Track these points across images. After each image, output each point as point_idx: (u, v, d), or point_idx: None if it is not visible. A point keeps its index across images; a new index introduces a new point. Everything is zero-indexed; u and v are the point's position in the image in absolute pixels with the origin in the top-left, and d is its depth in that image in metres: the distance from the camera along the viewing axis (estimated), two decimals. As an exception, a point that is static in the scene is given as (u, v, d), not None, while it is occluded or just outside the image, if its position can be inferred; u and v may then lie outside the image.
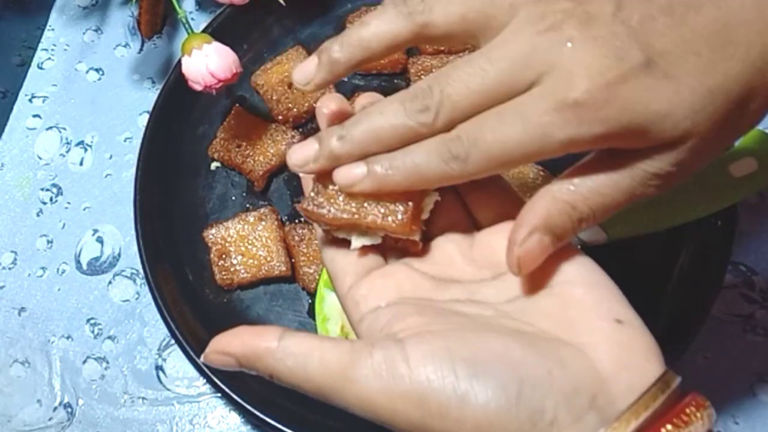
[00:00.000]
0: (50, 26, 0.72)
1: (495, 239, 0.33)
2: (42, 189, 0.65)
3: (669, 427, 0.26)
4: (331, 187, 0.33)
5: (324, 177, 0.33)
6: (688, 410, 0.26)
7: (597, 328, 0.28)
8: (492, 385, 0.26)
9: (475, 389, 0.26)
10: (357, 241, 0.33)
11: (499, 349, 0.27)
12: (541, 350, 0.27)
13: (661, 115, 0.27)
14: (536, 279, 0.31)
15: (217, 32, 0.58)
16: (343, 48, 0.31)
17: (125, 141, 0.66)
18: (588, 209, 0.30)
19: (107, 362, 0.58)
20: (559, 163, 0.63)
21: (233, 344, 0.30)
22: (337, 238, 0.34)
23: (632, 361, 0.27)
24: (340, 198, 0.32)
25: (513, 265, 0.29)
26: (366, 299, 0.32)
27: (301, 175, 0.36)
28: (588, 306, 0.29)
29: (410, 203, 0.32)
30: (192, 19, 0.69)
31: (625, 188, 0.30)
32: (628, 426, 0.26)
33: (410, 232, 0.32)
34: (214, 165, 0.63)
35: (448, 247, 0.34)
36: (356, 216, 0.32)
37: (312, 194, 0.33)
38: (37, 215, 0.64)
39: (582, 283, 0.30)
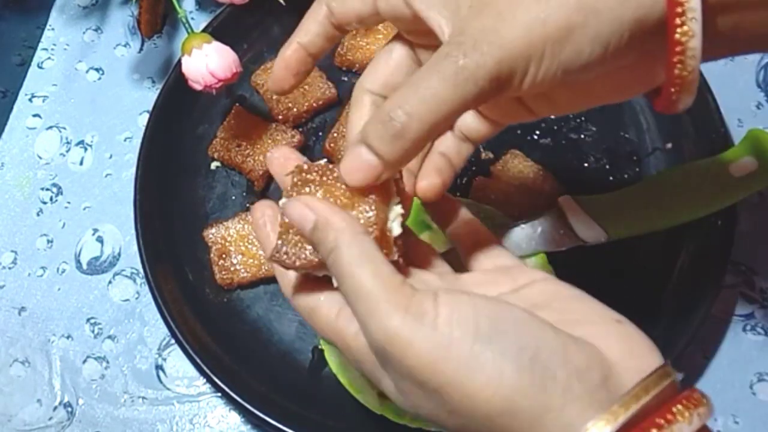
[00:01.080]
0: (50, 26, 0.72)
1: (480, 280, 0.34)
2: (42, 188, 0.65)
3: (668, 416, 0.26)
4: (292, 232, 0.32)
5: (285, 224, 0.33)
6: (688, 401, 0.27)
7: (601, 326, 0.29)
8: (509, 343, 0.27)
9: (492, 347, 0.27)
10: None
11: (520, 316, 0.28)
12: (556, 330, 0.28)
13: None
14: (533, 297, 0.32)
15: (217, 32, 0.58)
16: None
17: (125, 140, 0.66)
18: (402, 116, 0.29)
19: (107, 362, 0.58)
20: (559, 164, 0.63)
21: (323, 206, 0.31)
22: (309, 283, 0.34)
23: (638, 351, 0.28)
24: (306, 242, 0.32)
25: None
26: None
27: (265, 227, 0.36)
28: (588, 312, 0.30)
29: (375, 227, 0.32)
30: (192, 18, 0.69)
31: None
32: (627, 410, 0.26)
33: (385, 255, 0.32)
34: (214, 164, 0.63)
35: (430, 278, 0.35)
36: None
37: (279, 243, 0.33)
38: (37, 215, 0.64)
39: (574, 297, 0.31)
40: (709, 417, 0.27)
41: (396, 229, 0.33)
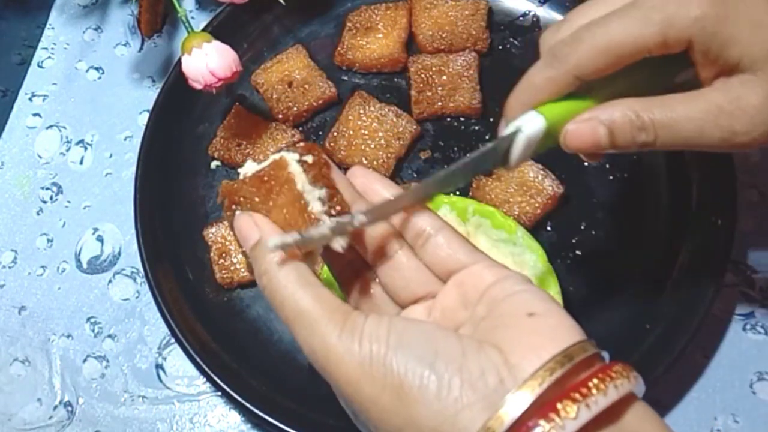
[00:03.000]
0: (50, 25, 0.72)
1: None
2: (42, 188, 0.65)
3: (565, 401, 0.27)
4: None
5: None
6: (590, 383, 0.27)
7: (511, 328, 0.30)
8: (412, 354, 0.29)
9: (398, 356, 0.29)
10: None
11: (427, 329, 0.30)
12: (462, 338, 0.30)
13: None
14: (469, 294, 0.33)
15: (217, 31, 0.58)
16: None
17: (125, 140, 0.66)
18: (650, 121, 0.35)
19: (107, 361, 0.58)
20: (559, 163, 0.63)
21: (268, 226, 0.34)
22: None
23: (540, 345, 0.29)
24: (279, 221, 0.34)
25: (562, 137, 0.37)
26: None
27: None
28: (505, 314, 0.31)
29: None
30: (192, 17, 0.69)
31: (694, 115, 0.35)
32: (523, 398, 0.27)
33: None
34: (214, 164, 0.63)
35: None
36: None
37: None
38: (37, 214, 0.64)
39: (504, 299, 0.32)
40: (631, 386, 0.28)
41: (317, 206, 0.34)
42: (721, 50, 0.35)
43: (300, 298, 0.31)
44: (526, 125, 0.37)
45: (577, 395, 0.27)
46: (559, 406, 0.27)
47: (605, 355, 0.30)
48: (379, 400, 0.29)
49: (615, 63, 0.36)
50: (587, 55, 0.36)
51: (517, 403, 0.27)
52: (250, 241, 0.33)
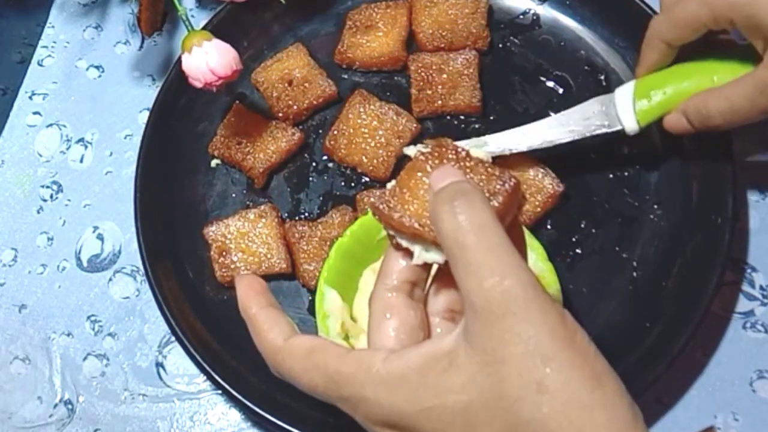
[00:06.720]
0: (50, 23, 0.72)
1: None
2: (42, 186, 0.65)
3: None
4: (408, 193, 0.32)
5: (407, 180, 0.33)
6: None
7: None
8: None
9: None
10: (420, 256, 0.33)
11: None
12: None
13: None
14: None
15: (217, 29, 0.58)
16: None
17: (125, 138, 0.66)
18: (715, 110, 0.48)
19: (108, 359, 0.58)
20: (560, 161, 0.63)
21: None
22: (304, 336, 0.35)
23: None
24: (414, 206, 0.32)
25: (664, 122, 0.52)
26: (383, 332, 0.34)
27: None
28: None
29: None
30: (192, 16, 0.69)
31: (746, 93, 0.46)
32: None
33: None
34: (214, 162, 0.63)
35: None
36: (424, 229, 0.32)
37: (387, 193, 0.33)
38: (38, 212, 0.64)
39: None
40: None
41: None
42: (759, 24, 0.44)
43: (499, 230, 0.30)
44: (620, 89, 0.54)
45: None
46: None
47: None
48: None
49: (687, 34, 0.48)
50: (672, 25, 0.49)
51: None
52: (456, 177, 0.32)
